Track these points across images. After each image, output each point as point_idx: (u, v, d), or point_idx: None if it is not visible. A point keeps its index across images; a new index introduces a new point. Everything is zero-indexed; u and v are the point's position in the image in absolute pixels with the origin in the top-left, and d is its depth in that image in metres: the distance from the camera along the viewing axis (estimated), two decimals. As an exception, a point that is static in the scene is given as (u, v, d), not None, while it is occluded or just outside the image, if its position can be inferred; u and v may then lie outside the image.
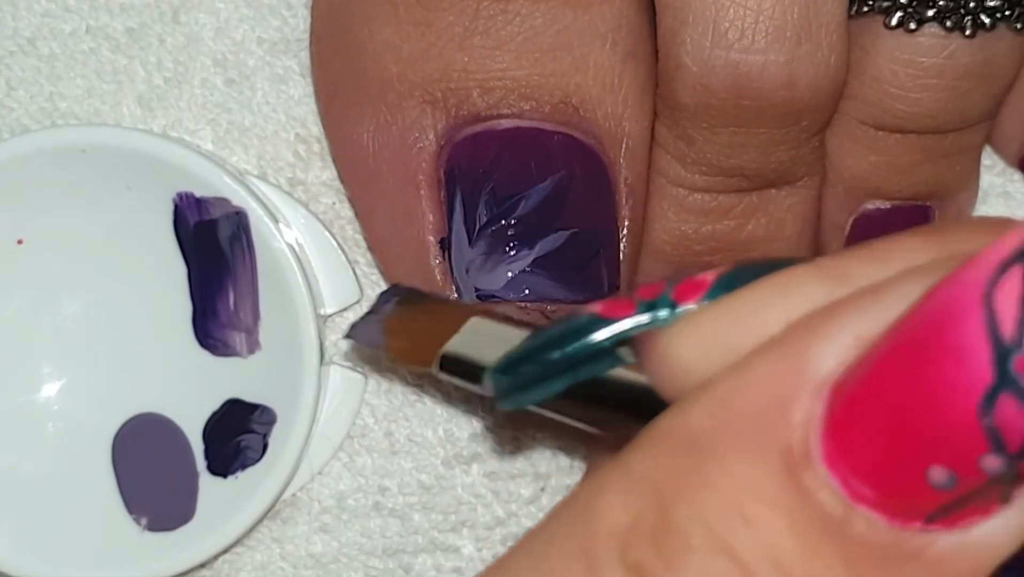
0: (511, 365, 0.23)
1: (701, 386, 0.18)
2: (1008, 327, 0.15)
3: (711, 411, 0.17)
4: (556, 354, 0.22)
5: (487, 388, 0.24)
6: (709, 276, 0.20)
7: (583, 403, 0.23)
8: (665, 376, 0.19)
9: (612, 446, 0.19)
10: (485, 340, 0.26)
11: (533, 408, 0.24)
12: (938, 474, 0.16)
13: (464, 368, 0.26)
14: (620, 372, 0.22)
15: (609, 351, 0.21)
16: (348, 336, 0.31)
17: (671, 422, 0.18)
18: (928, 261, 0.17)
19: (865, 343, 0.16)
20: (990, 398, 0.15)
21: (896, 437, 0.16)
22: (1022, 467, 0.15)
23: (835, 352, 0.17)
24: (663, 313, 0.20)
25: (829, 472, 0.16)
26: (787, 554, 0.16)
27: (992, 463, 0.15)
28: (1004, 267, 0.15)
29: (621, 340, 0.21)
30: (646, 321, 0.21)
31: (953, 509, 0.16)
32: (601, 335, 0.21)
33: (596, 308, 0.22)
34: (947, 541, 0.16)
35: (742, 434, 0.17)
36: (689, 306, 0.20)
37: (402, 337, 0.29)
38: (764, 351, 0.17)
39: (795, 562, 0.16)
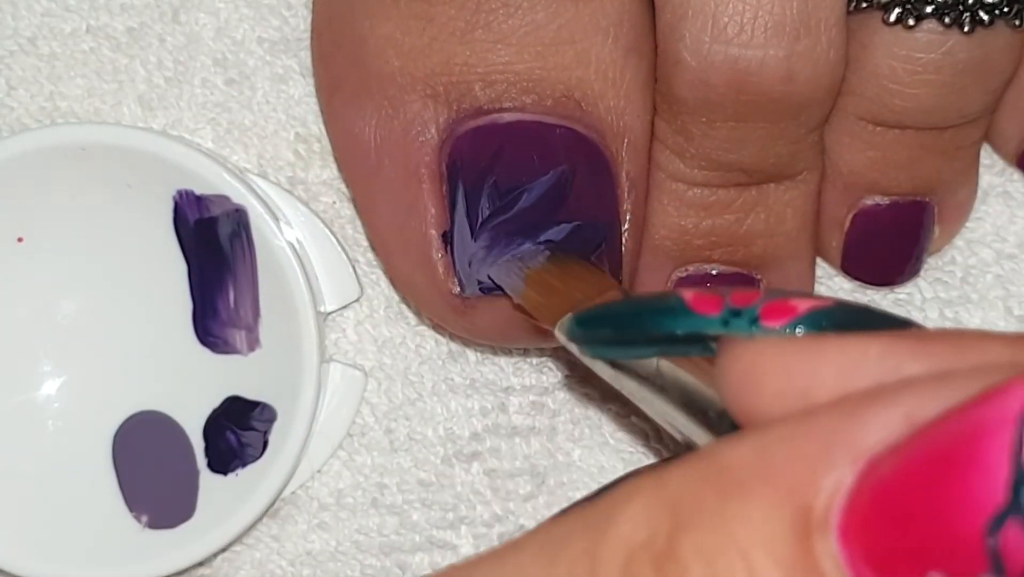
0: (589, 321, 0.23)
1: (762, 424, 0.17)
2: None
3: (755, 450, 0.17)
4: (634, 325, 0.22)
5: (564, 330, 0.24)
6: (801, 305, 0.20)
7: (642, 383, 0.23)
8: (731, 387, 0.19)
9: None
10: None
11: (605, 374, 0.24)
12: None
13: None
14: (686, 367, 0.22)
15: (698, 338, 0.21)
16: (481, 268, 0.31)
17: (718, 449, 0.17)
18: (1004, 361, 0.17)
19: (913, 425, 0.16)
20: (999, 520, 0.15)
21: (907, 532, 0.16)
22: None
23: (882, 426, 0.16)
24: (743, 324, 0.20)
25: (840, 546, 0.16)
26: None
27: None
28: None
29: (694, 337, 0.21)
30: (727, 327, 0.21)
31: None
32: (680, 325, 0.21)
33: (687, 295, 0.22)
34: None
35: (772, 482, 0.16)
36: (772, 327, 0.20)
37: (539, 290, 0.29)
38: (825, 408, 0.17)
39: None
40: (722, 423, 0.22)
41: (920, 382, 0.17)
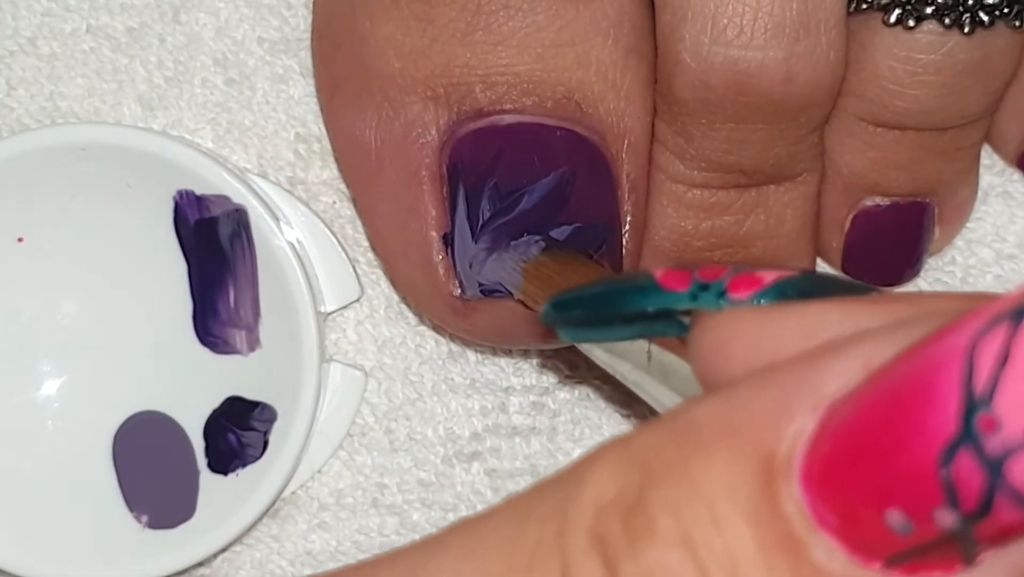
0: (564, 304, 0.24)
1: (725, 383, 0.18)
2: (981, 382, 0.15)
3: (718, 406, 0.17)
4: (605, 305, 0.23)
5: (543, 316, 0.24)
6: (768, 276, 0.21)
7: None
8: (702, 358, 0.19)
9: None
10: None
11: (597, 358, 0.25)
12: (896, 517, 0.16)
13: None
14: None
15: (671, 316, 0.22)
16: (482, 270, 0.31)
17: (683, 408, 0.18)
18: (957, 310, 0.17)
19: (870, 371, 0.16)
20: (950, 450, 0.15)
21: (865, 471, 0.16)
22: (978, 530, 0.15)
23: (841, 373, 0.17)
24: (709, 298, 0.21)
25: (802, 490, 0.16)
26: (745, 563, 0.16)
27: (945, 518, 0.15)
28: (995, 321, 0.15)
29: (668, 311, 0.22)
30: (696, 301, 0.21)
31: (913, 557, 0.16)
32: (650, 302, 0.22)
33: (657, 273, 0.22)
34: None
35: (735, 435, 0.17)
36: (739, 298, 0.20)
37: (537, 283, 0.30)
38: (785, 363, 0.17)
39: (750, 573, 0.16)
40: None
41: (876, 331, 0.17)
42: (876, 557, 0.16)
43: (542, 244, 0.31)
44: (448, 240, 0.31)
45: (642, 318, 0.22)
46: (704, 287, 0.21)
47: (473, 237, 0.31)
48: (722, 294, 0.21)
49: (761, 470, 0.17)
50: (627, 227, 0.32)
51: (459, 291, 0.31)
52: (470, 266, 0.31)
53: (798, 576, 0.16)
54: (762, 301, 0.20)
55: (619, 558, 0.17)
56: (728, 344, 0.19)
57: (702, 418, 0.17)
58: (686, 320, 0.22)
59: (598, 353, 0.26)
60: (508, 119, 0.31)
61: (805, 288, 0.20)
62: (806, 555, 0.16)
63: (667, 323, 0.22)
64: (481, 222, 0.31)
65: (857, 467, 0.16)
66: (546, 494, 0.18)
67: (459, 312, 0.32)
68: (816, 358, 0.17)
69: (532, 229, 0.31)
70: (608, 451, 0.18)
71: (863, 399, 0.16)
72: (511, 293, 0.31)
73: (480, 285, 0.31)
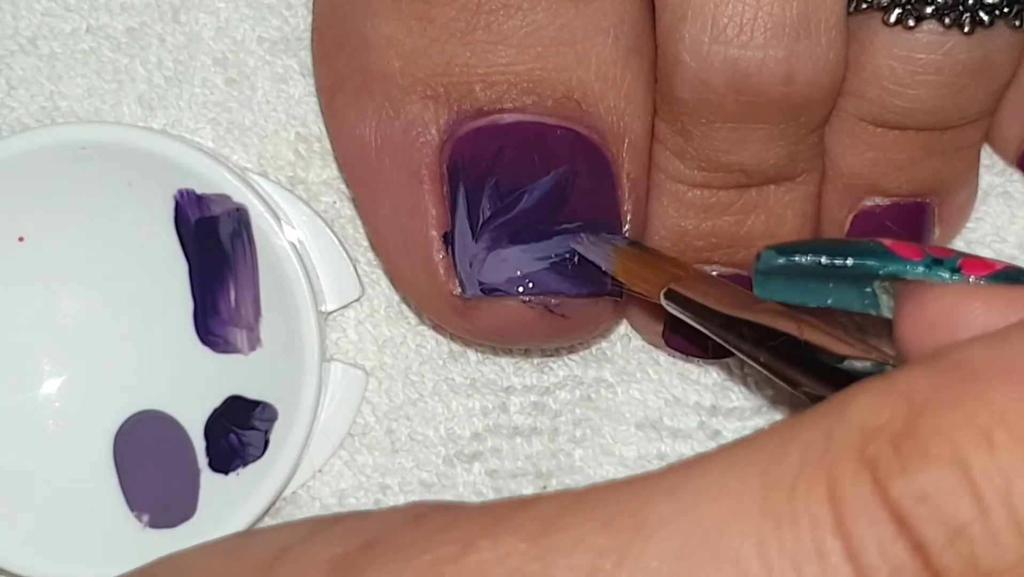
0: (788, 250, 0.25)
1: (986, 333, 0.19)
2: None
3: (990, 348, 0.18)
4: (837, 258, 0.24)
5: (759, 261, 0.25)
6: (998, 264, 0.22)
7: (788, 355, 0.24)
8: (924, 325, 0.21)
9: None
10: (714, 290, 0.28)
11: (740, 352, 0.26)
12: None
13: (689, 305, 0.28)
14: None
15: (873, 291, 0.23)
16: (574, 244, 0.31)
17: (948, 351, 0.19)
18: None
19: None
20: None
21: None
22: None
23: None
24: (945, 272, 0.22)
25: None
26: (1020, 488, 0.17)
27: None
28: None
29: (893, 277, 0.23)
30: (932, 272, 0.22)
31: None
32: (885, 264, 0.23)
33: (885, 241, 0.23)
34: None
35: (1011, 370, 0.18)
36: (974, 276, 0.22)
37: (629, 260, 0.30)
38: None
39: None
40: (859, 374, 0.24)
41: None
42: None
43: (623, 240, 0.31)
44: (448, 239, 0.31)
45: (866, 277, 0.23)
46: (938, 261, 0.22)
47: (473, 236, 0.31)
48: (956, 270, 0.22)
49: None
50: (627, 226, 0.32)
51: (459, 290, 0.31)
52: (470, 265, 0.31)
53: None
54: (997, 282, 0.22)
55: (891, 477, 0.17)
56: (969, 313, 0.20)
57: (974, 356, 0.18)
58: (882, 300, 0.23)
59: (712, 327, 0.27)
60: (508, 118, 0.31)
61: None
62: None
63: (867, 298, 0.24)
64: (481, 221, 0.31)
65: None
66: (806, 423, 0.19)
67: (459, 311, 0.32)
68: None
69: (532, 228, 0.31)
70: (869, 386, 0.19)
71: None
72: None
73: (480, 284, 0.31)
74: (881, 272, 0.23)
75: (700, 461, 0.19)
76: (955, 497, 0.17)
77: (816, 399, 0.23)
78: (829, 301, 0.24)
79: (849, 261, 0.24)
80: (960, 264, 0.22)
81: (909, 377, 0.18)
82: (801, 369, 0.25)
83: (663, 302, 0.29)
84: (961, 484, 0.17)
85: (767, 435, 0.19)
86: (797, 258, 0.25)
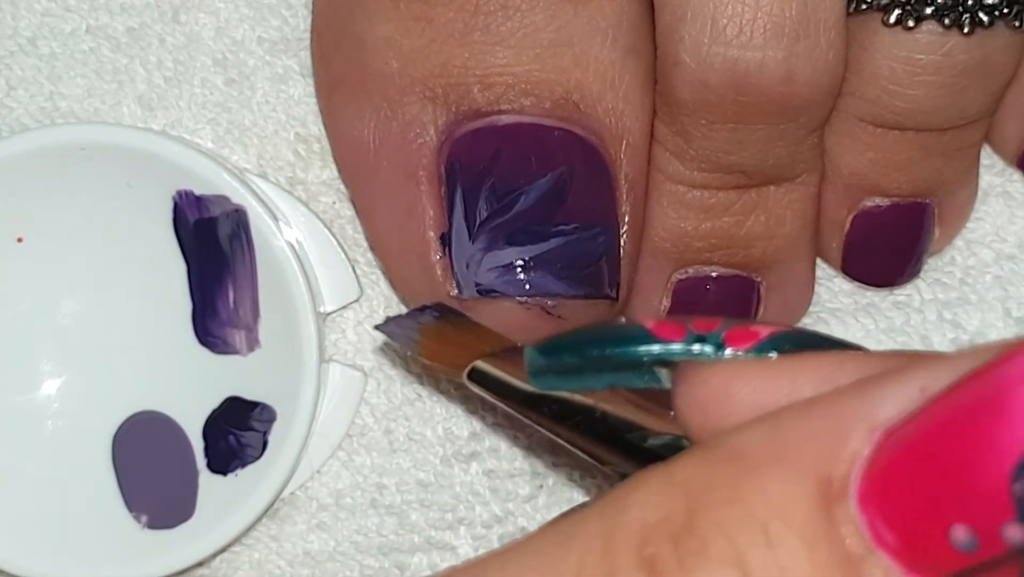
0: (553, 349, 0.24)
1: (761, 416, 0.18)
2: None
3: (765, 433, 0.18)
4: (596, 352, 0.23)
5: (526, 360, 0.25)
6: (763, 330, 0.21)
7: (592, 427, 0.24)
8: (698, 406, 0.20)
9: None
10: (515, 367, 0.27)
11: (549, 433, 0.25)
12: (960, 533, 0.16)
13: (491, 383, 0.27)
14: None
15: (648, 368, 0.22)
16: (380, 328, 0.31)
17: (724, 438, 0.18)
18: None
19: (928, 396, 0.17)
20: (1023, 466, 0.15)
21: (928, 488, 0.16)
22: None
23: (898, 399, 0.17)
24: (708, 349, 0.21)
25: (859, 510, 0.17)
26: None
27: (1015, 533, 0.15)
28: None
29: (661, 361, 0.22)
30: (694, 351, 0.22)
31: (973, 575, 0.16)
32: (647, 349, 0.22)
33: (647, 323, 0.23)
34: None
35: (786, 458, 0.17)
36: (737, 352, 0.21)
37: (435, 341, 0.30)
38: (832, 393, 0.18)
39: None
40: (659, 452, 0.24)
41: (929, 360, 0.17)
42: (935, 575, 0.16)
43: (434, 312, 0.30)
44: (446, 240, 0.31)
45: (632, 366, 0.23)
46: (700, 338, 0.21)
47: (471, 237, 0.31)
48: (720, 345, 0.21)
49: (816, 492, 0.17)
50: (625, 227, 0.32)
51: (456, 291, 0.31)
52: (467, 266, 0.31)
53: None
54: (770, 354, 0.21)
55: None
56: (735, 392, 0.20)
57: (749, 444, 0.18)
58: (662, 373, 0.22)
59: (515, 406, 0.26)
60: (506, 119, 0.31)
61: (800, 342, 0.21)
62: (863, 573, 0.17)
63: (644, 375, 0.23)
64: (479, 222, 0.31)
65: (921, 485, 0.16)
66: (588, 519, 0.18)
67: (457, 312, 0.32)
68: (869, 386, 0.18)
69: (529, 229, 0.31)
70: (649, 477, 0.18)
71: (927, 420, 0.17)
72: (414, 346, 0.30)
73: (477, 285, 0.31)
74: (645, 358, 0.22)
75: (487, 562, 0.19)
76: None
77: (624, 476, 0.22)
78: (609, 384, 0.24)
79: (608, 351, 0.23)
80: (724, 338, 0.21)
81: (686, 467, 0.18)
82: (603, 446, 0.24)
83: (467, 383, 0.28)
84: None
85: (551, 533, 0.18)
86: (560, 356, 0.24)
